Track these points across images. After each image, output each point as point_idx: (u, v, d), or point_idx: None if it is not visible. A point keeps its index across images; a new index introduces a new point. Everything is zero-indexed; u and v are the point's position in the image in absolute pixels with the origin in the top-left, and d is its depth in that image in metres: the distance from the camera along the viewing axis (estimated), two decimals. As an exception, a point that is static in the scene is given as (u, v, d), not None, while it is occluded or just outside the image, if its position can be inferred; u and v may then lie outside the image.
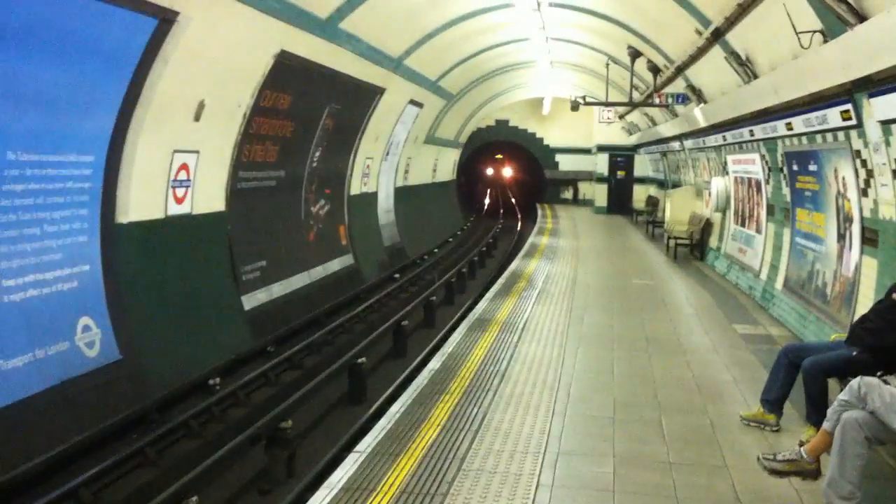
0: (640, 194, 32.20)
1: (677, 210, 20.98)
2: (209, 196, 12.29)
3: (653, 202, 28.54)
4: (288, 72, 13.08)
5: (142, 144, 10.03)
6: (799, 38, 8.34)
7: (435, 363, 8.67)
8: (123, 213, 10.06)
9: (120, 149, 9.70)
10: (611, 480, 5.56)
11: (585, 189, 38.73)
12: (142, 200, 10.42)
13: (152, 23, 9.11)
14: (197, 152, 11.55)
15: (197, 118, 11.15)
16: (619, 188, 33.70)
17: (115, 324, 9.65)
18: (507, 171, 50.22)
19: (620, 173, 33.86)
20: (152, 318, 10.58)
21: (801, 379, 6.35)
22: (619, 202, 33.18)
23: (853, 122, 8.10)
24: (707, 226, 18.74)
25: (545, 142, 39.99)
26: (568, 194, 40.46)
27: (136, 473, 8.09)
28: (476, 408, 7.11)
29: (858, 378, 4.90)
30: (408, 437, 6.32)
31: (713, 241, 18.17)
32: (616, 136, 32.65)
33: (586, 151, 37.07)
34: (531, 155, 41.05)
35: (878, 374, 5.45)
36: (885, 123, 7.36)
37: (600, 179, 34.42)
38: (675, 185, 24.88)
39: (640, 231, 26.10)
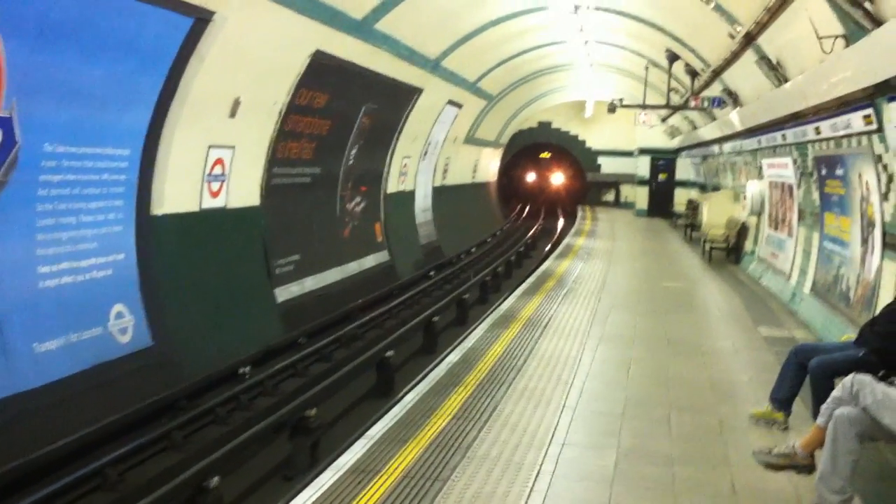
0: (681, 197, 32.00)
1: (714, 214, 20.92)
2: (244, 191, 12.60)
3: (693, 206, 28.38)
4: (324, 71, 13.34)
5: (177, 139, 10.34)
6: (821, 43, 8.38)
7: (454, 356, 8.86)
8: (158, 205, 10.38)
9: (156, 143, 10.02)
10: (611, 473, 5.69)
11: (627, 192, 38.54)
12: (177, 193, 10.73)
13: (188, 22, 9.39)
14: (232, 148, 11.86)
15: (232, 115, 11.45)
16: (661, 191, 33.55)
17: (148, 311, 9.97)
18: (558, 178, 45.48)
19: (662, 176, 33.74)
20: (185, 307, 10.89)
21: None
22: (660, 205, 33.01)
23: (874, 126, 8.12)
24: (743, 230, 18.67)
25: (587, 144, 39.93)
26: (609, 197, 40.35)
27: (162, 456, 8.36)
28: (488, 400, 7.27)
29: (851, 375, 4.98)
30: (418, 425, 6.51)
31: (748, 245, 18.10)
32: (658, 139, 32.49)
33: (628, 154, 36.90)
34: (574, 158, 40.93)
35: (880, 374, 5.53)
36: (904, 128, 7.39)
37: (641, 182, 34.34)
38: (715, 188, 24.80)
39: (679, 234, 26.03)
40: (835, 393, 5.02)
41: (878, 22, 7.01)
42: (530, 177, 46.55)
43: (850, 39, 7.96)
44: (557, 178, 45.59)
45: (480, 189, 34.56)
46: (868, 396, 4.82)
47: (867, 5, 7.14)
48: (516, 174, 45.47)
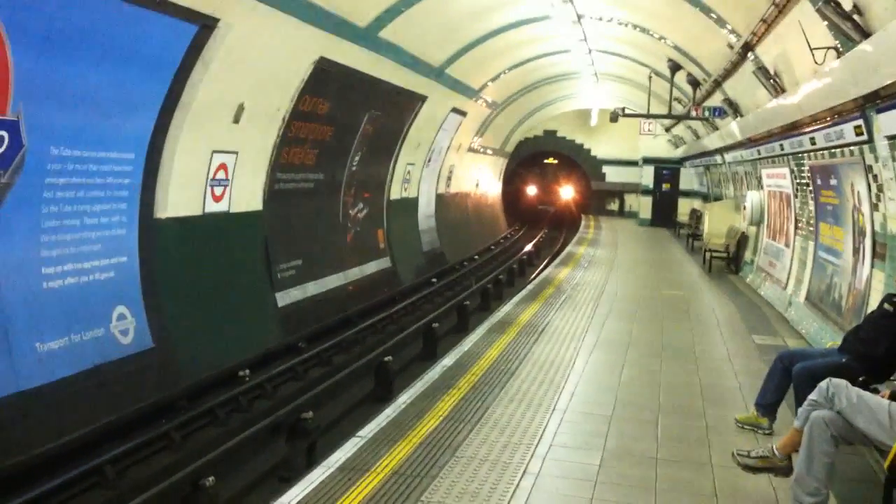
0: (684, 207, 32.12)
1: (715, 223, 21.01)
2: (247, 195, 12.77)
3: (696, 215, 28.49)
4: (327, 78, 13.52)
5: (181, 144, 10.52)
6: (813, 55, 8.51)
7: (448, 360, 8.99)
8: (162, 208, 10.56)
9: (160, 148, 10.21)
10: (595, 472, 5.81)
11: (631, 201, 38.60)
12: (180, 197, 10.91)
13: (192, 29, 9.59)
14: (236, 153, 12.03)
15: (236, 120, 11.63)
16: (664, 201, 33.62)
17: (149, 314, 10.14)
18: (567, 192, 41.16)
19: (666, 186, 33.80)
20: (187, 309, 11.06)
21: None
22: (664, 215, 33.07)
23: (865, 137, 8.23)
24: (743, 239, 18.77)
25: (592, 153, 40.01)
26: (614, 206, 40.42)
27: (160, 455, 8.52)
28: (480, 402, 7.40)
29: (827, 379, 5.09)
30: (409, 426, 6.65)
31: (748, 255, 18.20)
32: (662, 148, 32.60)
33: (633, 164, 36.95)
34: (583, 168, 40.65)
35: (860, 379, 5.66)
36: (892, 139, 7.50)
37: (646, 192, 34.43)
38: (717, 198, 24.88)
39: (682, 244, 26.12)
40: (811, 396, 5.14)
41: (866, 34, 7.15)
42: (532, 190, 42.40)
43: (841, 51, 8.09)
44: (567, 192, 41.48)
45: (485, 197, 34.68)
46: (843, 400, 4.93)
47: (856, 17, 7.28)
48: (518, 187, 42.32)
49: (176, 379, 10.19)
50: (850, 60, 7.46)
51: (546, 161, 41.75)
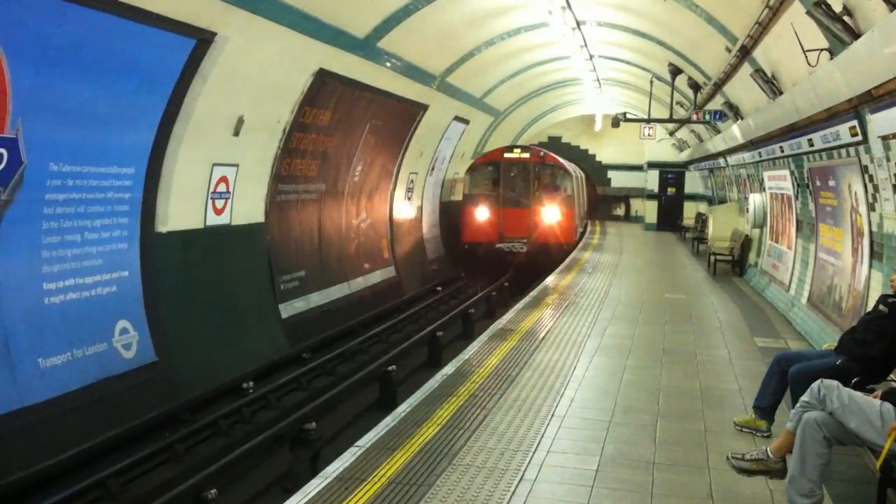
0: (689, 211, 32.12)
1: (720, 226, 21.03)
2: (248, 207, 12.84)
3: (702, 219, 28.48)
4: (327, 89, 13.59)
5: (181, 158, 10.59)
6: (806, 57, 8.53)
7: (449, 368, 9.00)
8: (163, 222, 10.62)
9: (160, 162, 10.27)
10: (592, 477, 5.82)
11: (637, 206, 38.56)
12: (181, 211, 10.98)
13: (190, 43, 9.66)
14: (236, 166, 12.10)
15: (236, 133, 11.69)
16: (670, 205, 33.61)
17: (152, 327, 10.20)
18: (552, 213, 24.05)
19: (671, 190, 33.79)
20: (189, 322, 11.11)
21: (791, 386, 6.53)
22: (669, 219, 33.05)
23: (859, 138, 8.25)
24: (747, 242, 18.76)
25: (597, 158, 39.95)
26: (620, 211, 40.41)
27: (163, 468, 8.55)
28: (479, 409, 7.42)
29: (818, 380, 5.11)
30: (407, 434, 6.67)
31: (752, 257, 18.19)
32: (667, 152, 32.61)
33: (638, 168, 36.96)
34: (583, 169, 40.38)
35: (854, 380, 5.67)
36: (885, 139, 7.51)
37: (651, 196, 34.40)
38: (722, 201, 24.89)
39: (687, 248, 26.09)
40: (803, 398, 5.15)
41: (857, 35, 7.16)
42: (482, 212, 23.62)
43: (833, 52, 8.11)
44: (551, 214, 24.09)
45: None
46: (835, 401, 4.95)
47: (846, 19, 7.30)
48: (460, 209, 24.85)
49: (179, 392, 10.23)
50: (842, 62, 7.49)
51: (509, 155, 24.57)
